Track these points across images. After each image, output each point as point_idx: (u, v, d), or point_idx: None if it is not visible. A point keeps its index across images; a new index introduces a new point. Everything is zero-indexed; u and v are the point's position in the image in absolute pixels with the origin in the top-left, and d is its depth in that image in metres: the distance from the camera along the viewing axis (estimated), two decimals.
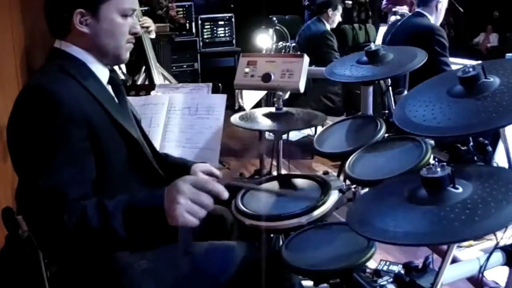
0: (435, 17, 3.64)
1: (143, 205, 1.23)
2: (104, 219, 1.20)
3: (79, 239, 1.21)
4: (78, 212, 1.20)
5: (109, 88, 1.51)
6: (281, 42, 5.26)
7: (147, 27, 3.41)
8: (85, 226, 1.20)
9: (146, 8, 3.97)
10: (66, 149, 1.27)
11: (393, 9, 5.58)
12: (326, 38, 4.86)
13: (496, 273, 1.79)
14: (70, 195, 1.23)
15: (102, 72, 1.48)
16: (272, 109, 2.16)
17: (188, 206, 1.20)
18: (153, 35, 3.53)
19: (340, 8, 5.08)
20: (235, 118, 2.12)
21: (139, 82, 3.40)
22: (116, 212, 1.21)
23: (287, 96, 2.20)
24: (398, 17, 5.10)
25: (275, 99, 2.16)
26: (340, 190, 1.56)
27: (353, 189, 1.71)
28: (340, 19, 5.19)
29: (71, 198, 1.23)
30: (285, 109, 2.15)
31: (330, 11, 4.97)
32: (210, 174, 1.68)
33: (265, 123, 2.10)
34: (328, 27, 4.97)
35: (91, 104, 1.37)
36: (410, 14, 4.14)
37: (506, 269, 1.49)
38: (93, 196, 1.27)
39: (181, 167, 1.70)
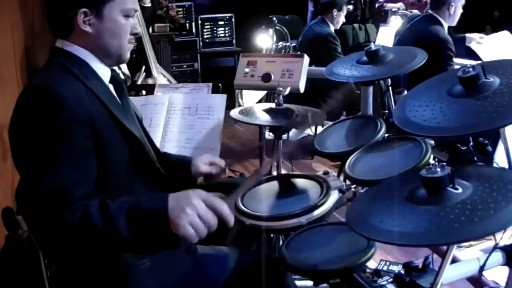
0: (448, 21, 3.47)
1: (147, 207, 1.22)
2: (107, 218, 1.19)
3: (81, 238, 1.20)
4: (80, 211, 1.20)
5: (111, 87, 1.51)
6: (281, 42, 5.25)
7: None
8: (87, 224, 1.19)
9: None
10: (69, 148, 1.27)
11: (393, 9, 5.56)
12: (329, 41, 4.71)
13: (496, 273, 1.79)
14: (73, 195, 1.23)
15: (104, 71, 1.48)
16: (272, 105, 2.16)
17: (193, 220, 1.19)
18: (148, 4, 3.39)
19: (345, 9, 4.94)
20: (234, 113, 2.10)
21: (139, 82, 3.40)
22: (120, 212, 1.20)
23: (287, 92, 2.19)
24: (398, 17, 5.08)
25: (275, 95, 2.15)
26: (340, 190, 1.56)
27: (353, 189, 1.71)
28: (344, 20, 5.11)
29: (73, 198, 1.22)
30: (285, 105, 2.14)
31: (335, 12, 4.82)
32: (212, 163, 1.72)
33: (265, 119, 2.09)
34: (332, 28, 4.85)
35: (94, 103, 1.37)
36: (421, 14, 3.92)
37: (506, 269, 1.49)
38: (95, 196, 1.27)
39: (181, 165, 1.71)
